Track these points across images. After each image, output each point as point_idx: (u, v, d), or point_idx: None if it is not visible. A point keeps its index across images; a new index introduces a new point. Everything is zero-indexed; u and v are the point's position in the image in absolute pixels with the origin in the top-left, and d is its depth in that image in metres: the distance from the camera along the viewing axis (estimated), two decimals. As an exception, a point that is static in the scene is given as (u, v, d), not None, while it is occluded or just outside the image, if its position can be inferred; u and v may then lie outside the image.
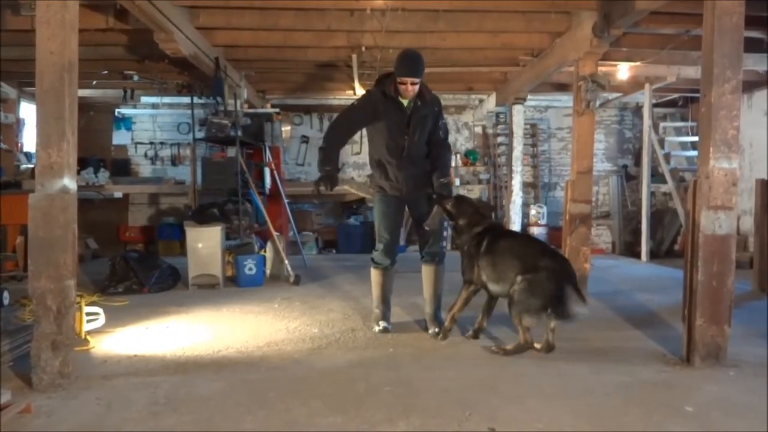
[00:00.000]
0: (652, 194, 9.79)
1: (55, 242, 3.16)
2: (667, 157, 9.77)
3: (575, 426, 2.73)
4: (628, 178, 11.24)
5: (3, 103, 8.89)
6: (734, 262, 3.60)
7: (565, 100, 10.38)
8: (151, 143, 11.09)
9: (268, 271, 6.94)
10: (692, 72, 7.93)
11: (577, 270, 5.76)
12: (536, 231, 10.39)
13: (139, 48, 6.99)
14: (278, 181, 8.30)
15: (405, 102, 4.27)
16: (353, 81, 8.32)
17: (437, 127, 4.43)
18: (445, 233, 4.40)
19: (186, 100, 9.13)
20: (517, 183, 9.64)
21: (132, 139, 11.13)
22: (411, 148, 4.33)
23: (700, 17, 3.71)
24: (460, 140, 11.51)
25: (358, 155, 10.61)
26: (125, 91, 9.46)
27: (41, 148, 3.18)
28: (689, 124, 10.76)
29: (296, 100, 10.66)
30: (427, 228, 4.34)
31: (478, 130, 11.58)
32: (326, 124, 11.01)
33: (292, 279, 6.62)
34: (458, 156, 11.27)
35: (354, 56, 7.42)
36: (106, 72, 8.34)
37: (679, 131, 10.97)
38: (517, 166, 9.65)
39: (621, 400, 3.06)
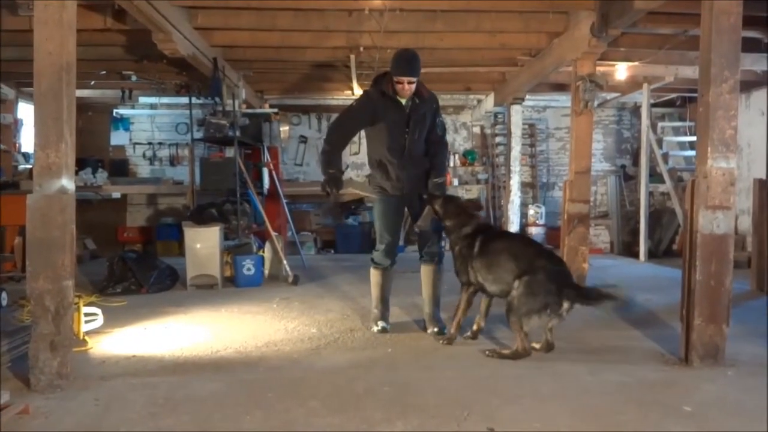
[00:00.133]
0: (651, 194, 9.80)
1: (53, 243, 3.16)
2: (665, 156, 9.77)
3: (573, 426, 2.73)
4: (627, 178, 11.25)
5: (1, 103, 8.88)
6: (732, 261, 3.60)
7: (564, 100, 10.37)
8: (150, 143, 11.09)
9: (266, 272, 6.94)
10: (690, 72, 7.94)
11: (575, 270, 5.80)
12: (534, 231, 10.41)
13: (138, 48, 6.99)
14: (276, 182, 8.30)
15: (403, 101, 4.27)
16: (351, 81, 8.32)
17: (435, 125, 4.43)
18: (444, 233, 4.38)
19: (184, 100, 9.12)
20: (515, 183, 9.65)
21: (130, 139, 11.12)
22: (411, 146, 4.33)
23: (697, 17, 3.71)
24: (458, 140, 11.51)
25: (356, 155, 10.60)
26: (123, 92, 9.45)
27: (39, 149, 3.18)
28: (687, 123, 10.75)
29: (294, 101, 10.66)
30: (417, 229, 4.34)
31: (477, 130, 11.58)
32: (325, 124, 11.01)
33: (290, 279, 6.62)
34: (456, 156, 11.28)
35: (352, 56, 7.41)
36: (104, 72, 8.33)
37: (677, 131, 10.98)
38: (516, 166, 9.66)
39: (619, 399, 3.06)
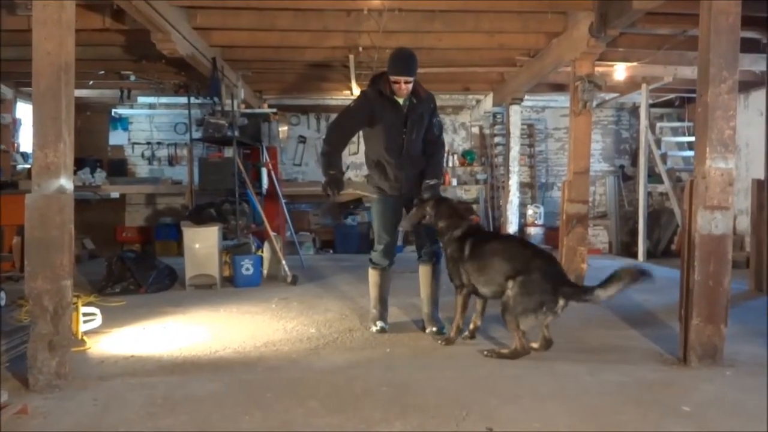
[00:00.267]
0: (649, 194, 9.80)
1: (51, 243, 3.16)
2: (664, 157, 9.79)
3: (572, 425, 2.74)
4: (625, 178, 11.26)
5: (0, 103, 8.87)
6: (730, 261, 3.60)
7: (562, 100, 10.38)
8: (148, 143, 11.08)
9: (265, 272, 6.94)
10: (689, 72, 7.95)
11: (574, 270, 5.83)
12: (533, 231, 10.42)
13: (136, 48, 6.99)
14: (275, 182, 8.29)
15: (401, 101, 4.27)
16: (350, 81, 8.33)
17: (432, 124, 4.43)
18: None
19: (183, 100, 9.12)
20: (514, 183, 9.66)
21: (129, 139, 11.12)
22: (409, 146, 4.33)
23: (696, 17, 3.72)
24: (457, 140, 11.52)
25: (355, 155, 10.60)
26: (122, 92, 9.45)
27: (38, 149, 3.18)
28: (686, 124, 10.77)
29: (293, 101, 10.66)
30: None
31: (475, 130, 11.59)
32: (324, 124, 11.02)
33: (289, 279, 6.62)
34: (455, 156, 11.29)
35: (351, 56, 7.42)
36: (102, 72, 8.33)
37: (675, 131, 10.99)
38: (514, 167, 9.67)
39: (618, 399, 3.06)
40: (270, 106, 10.01)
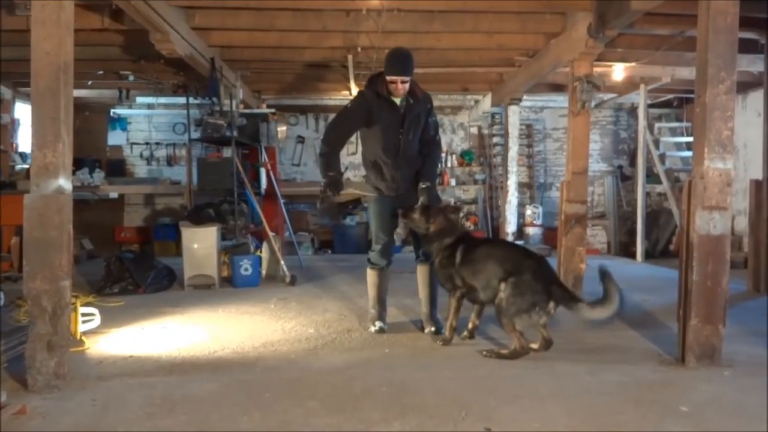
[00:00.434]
0: (647, 194, 9.82)
1: (50, 243, 3.15)
2: (662, 157, 9.80)
3: (571, 426, 2.74)
4: (624, 178, 11.28)
5: (-1, 103, 8.88)
6: (729, 262, 3.60)
7: (561, 100, 10.39)
8: (147, 143, 11.08)
9: (263, 272, 6.93)
10: (687, 73, 7.96)
11: (572, 270, 5.83)
12: (531, 231, 10.43)
13: (135, 48, 6.98)
14: (274, 182, 8.29)
15: (398, 101, 4.27)
16: (349, 81, 8.33)
17: (428, 124, 4.43)
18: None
19: (181, 100, 9.10)
20: (512, 183, 9.67)
21: (127, 139, 11.12)
22: (406, 146, 4.33)
23: (694, 18, 3.72)
24: (455, 141, 11.53)
25: (353, 155, 10.60)
26: (121, 92, 9.45)
27: (36, 149, 3.17)
28: (684, 124, 10.79)
29: (292, 101, 10.66)
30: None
31: (474, 130, 11.60)
32: (322, 124, 11.02)
33: (288, 279, 6.62)
34: (454, 156, 11.29)
35: (350, 57, 7.42)
36: (101, 72, 8.32)
37: (674, 132, 11.01)
38: (513, 167, 9.67)
39: (616, 399, 3.06)
40: (269, 107, 10.00)
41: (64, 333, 3.22)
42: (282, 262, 6.80)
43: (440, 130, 4.67)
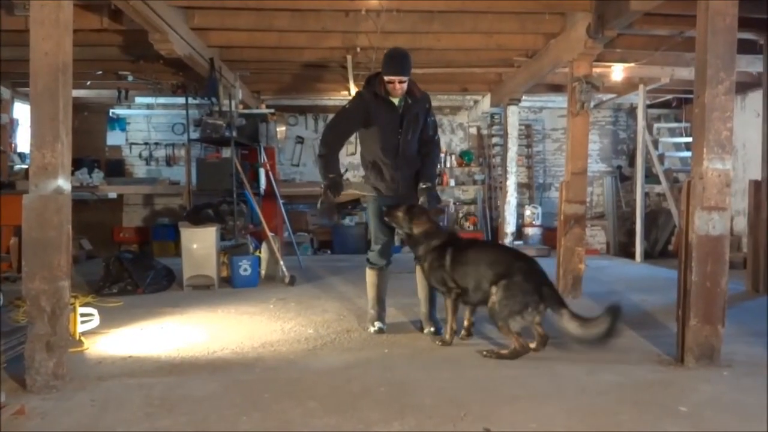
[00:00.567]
0: (646, 195, 9.82)
1: (49, 243, 3.15)
2: (661, 157, 9.81)
3: (569, 426, 2.74)
4: (623, 178, 11.28)
5: (-2, 103, 8.87)
6: (728, 262, 3.61)
7: (560, 101, 10.40)
8: (146, 144, 11.08)
9: (263, 272, 6.93)
10: (686, 73, 7.97)
11: (571, 270, 5.83)
12: (531, 231, 10.43)
13: (134, 48, 6.98)
14: (273, 182, 8.30)
15: (396, 101, 4.27)
16: (348, 82, 8.33)
17: (427, 124, 4.43)
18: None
19: (181, 100, 9.10)
20: (511, 184, 9.67)
21: (126, 139, 11.13)
22: (405, 147, 4.33)
23: (693, 19, 3.72)
24: (455, 141, 11.53)
25: (353, 156, 10.61)
26: (120, 92, 9.45)
27: (35, 149, 3.17)
28: (683, 125, 10.81)
29: (291, 101, 10.66)
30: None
31: (473, 130, 11.60)
32: (321, 124, 11.02)
33: (287, 280, 6.62)
34: (453, 157, 11.29)
35: (349, 57, 7.42)
36: (100, 72, 8.32)
37: (672, 132, 11.02)
38: (512, 167, 9.68)
39: (615, 400, 3.07)
40: (268, 107, 10.02)
41: (63, 333, 3.22)
42: (281, 263, 6.80)
43: (439, 131, 4.67)
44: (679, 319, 3.68)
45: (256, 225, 7.66)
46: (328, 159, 4.28)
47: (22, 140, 9.44)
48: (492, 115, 11.31)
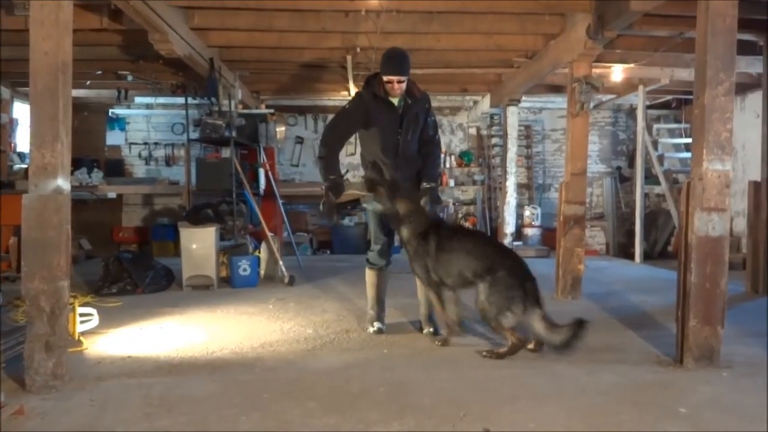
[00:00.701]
0: (646, 196, 9.83)
1: (48, 243, 3.15)
2: (661, 158, 9.81)
3: (568, 426, 2.74)
4: (622, 179, 11.29)
5: (-3, 103, 8.87)
6: (727, 263, 3.61)
7: (560, 101, 10.40)
8: (145, 143, 11.07)
9: (262, 272, 6.93)
10: (686, 74, 7.98)
11: (571, 271, 5.83)
12: (530, 232, 10.43)
13: (134, 48, 6.98)
14: (273, 182, 8.30)
15: (395, 101, 4.27)
16: (348, 82, 8.33)
17: (427, 124, 4.43)
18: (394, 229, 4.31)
19: (180, 100, 9.10)
20: (511, 184, 9.67)
21: (126, 139, 11.12)
22: (405, 147, 4.32)
23: (693, 19, 3.73)
24: (454, 141, 11.53)
25: (353, 156, 10.60)
26: (119, 92, 9.45)
27: (35, 149, 3.17)
28: (683, 125, 10.81)
29: (291, 101, 10.66)
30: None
31: (473, 131, 11.60)
32: (321, 125, 11.01)
33: (286, 280, 6.62)
34: (452, 157, 11.29)
35: (349, 57, 7.42)
36: (100, 72, 8.32)
37: (672, 133, 11.02)
38: (512, 168, 9.68)
39: (614, 400, 3.07)
40: (267, 107, 10.02)
41: (62, 333, 3.22)
42: (280, 263, 6.80)
43: (439, 131, 4.67)
44: (679, 320, 3.68)
45: (256, 225, 7.66)
46: (328, 160, 4.27)
47: (22, 140, 9.43)
48: (491, 116, 11.31)
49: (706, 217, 3.56)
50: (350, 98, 4.75)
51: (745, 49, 6.35)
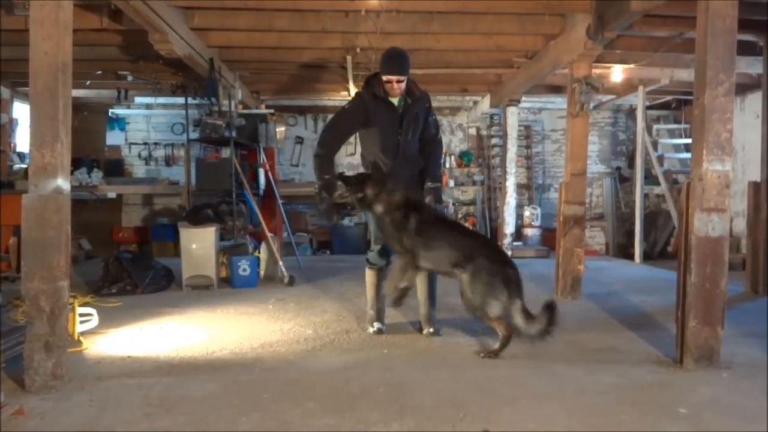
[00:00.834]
0: (646, 196, 9.83)
1: (48, 243, 3.15)
2: (661, 159, 9.81)
3: (568, 426, 2.74)
4: (622, 179, 11.29)
5: (-3, 103, 8.87)
6: (727, 263, 3.61)
7: (559, 102, 10.39)
8: (145, 144, 11.07)
9: (262, 272, 6.93)
10: (686, 74, 7.98)
11: (571, 271, 5.83)
12: (530, 232, 10.43)
13: (134, 48, 6.98)
14: (272, 182, 8.29)
15: (395, 101, 4.27)
16: (348, 82, 8.33)
17: (428, 124, 4.42)
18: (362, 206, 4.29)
19: (180, 100, 9.09)
20: (511, 184, 9.67)
21: (126, 139, 11.11)
22: (405, 147, 4.33)
23: (693, 20, 3.73)
24: (454, 141, 11.53)
25: (352, 156, 10.61)
26: (119, 92, 9.44)
27: (35, 149, 3.17)
28: (682, 126, 10.81)
29: (290, 101, 10.66)
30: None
31: (473, 131, 11.60)
32: (321, 125, 11.01)
33: (286, 280, 6.62)
34: (452, 157, 11.29)
35: (349, 57, 7.42)
36: (100, 72, 8.32)
37: (672, 133, 11.02)
38: (511, 168, 9.67)
39: (614, 400, 3.07)
40: (267, 107, 10.02)
41: (62, 333, 3.22)
42: (280, 263, 6.79)
43: (439, 131, 4.67)
44: (679, 320, 3.68)
45: (256, 225, 7.66)
46: (324, 160, 4.27)
47: (22, 140, 9.43)
48: (491, 116, 11.31)
49: (706, 217, 3.56)
50: (350, 98, 4.75)
51: (745, 49, 6.35)
